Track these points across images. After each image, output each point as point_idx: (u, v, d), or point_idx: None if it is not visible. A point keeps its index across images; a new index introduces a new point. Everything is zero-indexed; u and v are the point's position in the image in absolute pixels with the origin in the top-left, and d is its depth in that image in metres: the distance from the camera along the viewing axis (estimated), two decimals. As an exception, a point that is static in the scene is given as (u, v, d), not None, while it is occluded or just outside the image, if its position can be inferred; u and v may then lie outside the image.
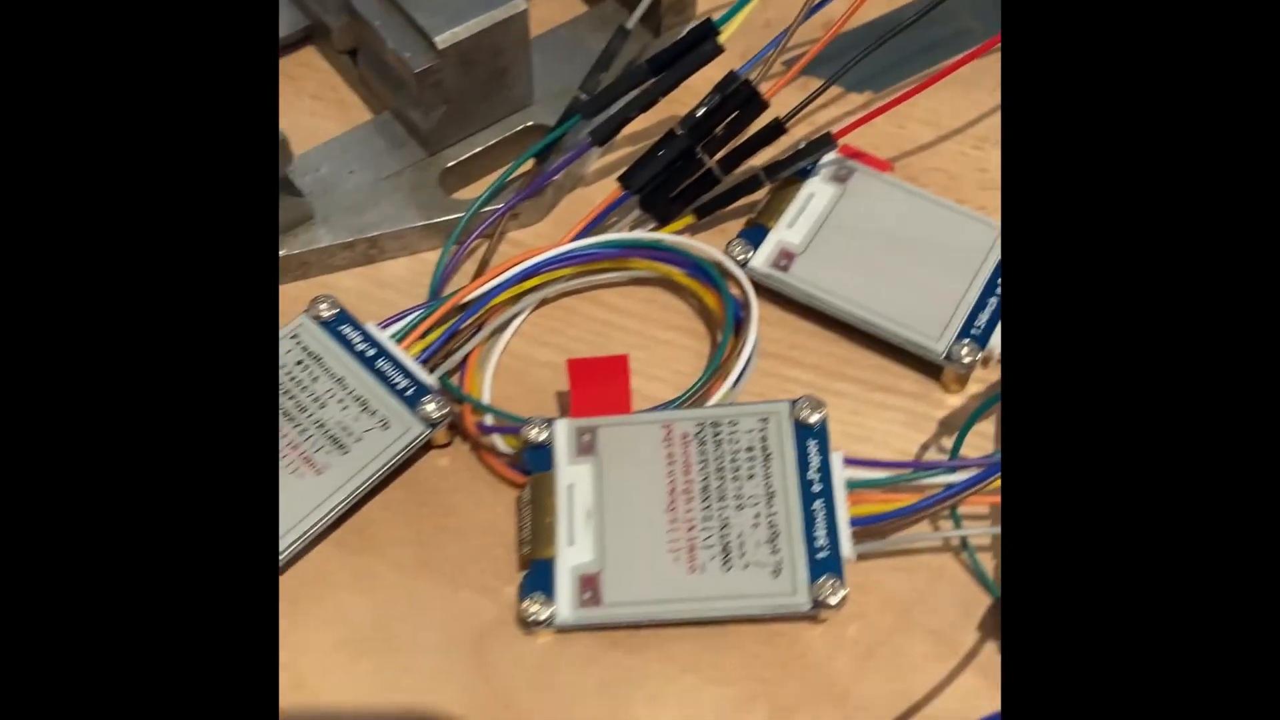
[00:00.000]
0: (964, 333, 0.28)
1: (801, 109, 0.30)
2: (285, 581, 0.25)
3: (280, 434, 0.26)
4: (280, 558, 0.25)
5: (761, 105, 0.29)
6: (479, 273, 0.30)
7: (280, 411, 0.26)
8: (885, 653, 0.25)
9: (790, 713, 0.24)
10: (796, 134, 0.33)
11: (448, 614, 0.25)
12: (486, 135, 0.32)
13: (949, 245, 0.29)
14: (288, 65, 0.34)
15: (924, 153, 0.33)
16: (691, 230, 0.31)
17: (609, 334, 0.30)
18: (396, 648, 0.25)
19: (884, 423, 0.28)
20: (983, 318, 0.28)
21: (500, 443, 0.27)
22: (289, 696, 0.24)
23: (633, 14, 0.30)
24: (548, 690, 0.24)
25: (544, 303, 0.30)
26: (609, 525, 0.25)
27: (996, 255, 0.29)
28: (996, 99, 0.34)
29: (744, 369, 0.27)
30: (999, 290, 0.29)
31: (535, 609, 0.24)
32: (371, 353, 0.27)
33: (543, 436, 0.26)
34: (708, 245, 0.29)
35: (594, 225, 0.30)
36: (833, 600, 0.24)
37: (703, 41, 0.29)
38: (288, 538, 0.25)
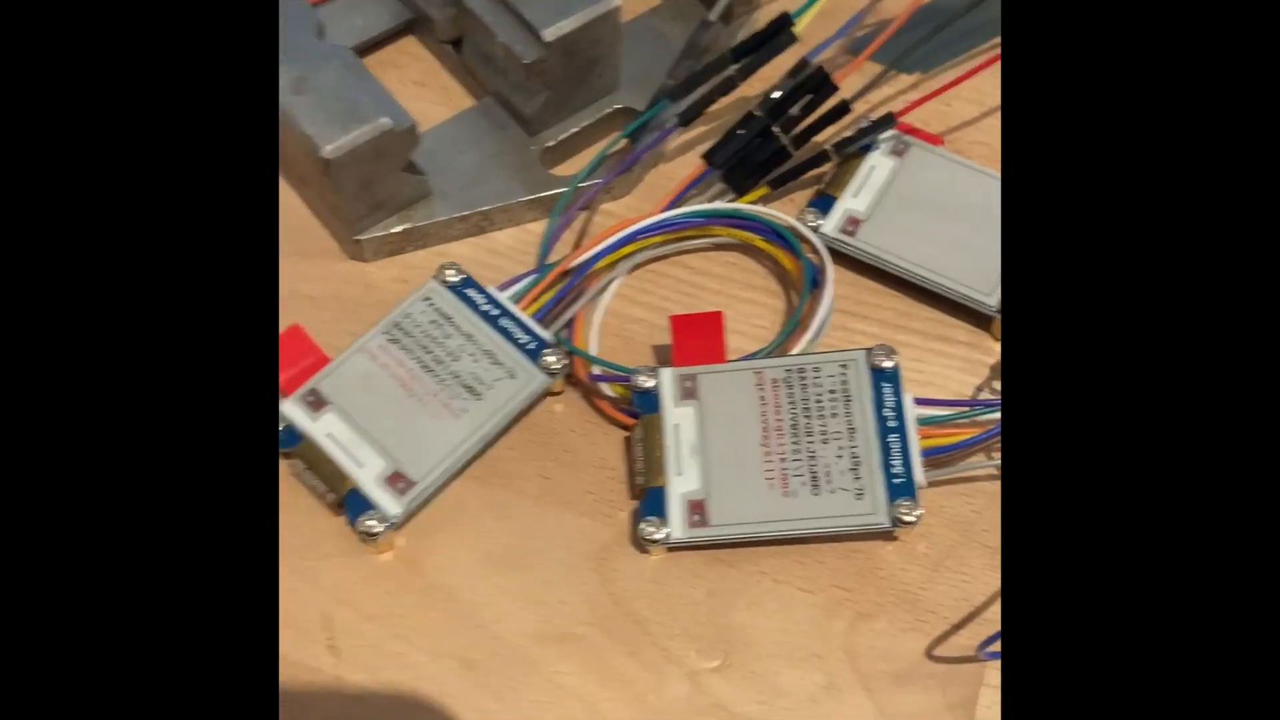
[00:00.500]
0: (1013, 288, 0.32)
1: (864, 92, 0.33)
2: (430, 512, 0.29)
3: (424, 385, 0.30)
4: (428, 490, 0.29)
5: (833, 88, 0.33)
6: (579, 242, 0.34)
7: (422, 365, 0.30)
8: (950, 564, 0.29)
9: (870, 616, 0.28)
10: (856, 112, 0.37)
11: (572, 536, 0.29)
12: (581, 117, 0.35)
13: (995, 210, 0.33)
14: (391, 54, 0.38)
15: (969, 128, 0.37)
16: (765, 200, 0.35)
17: (695, 295, 0.33)
18: (530, 565, 0.29)
19: (942, 368, 0.32)
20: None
21: (608, 389, 0.31)
22: (441, 607, 0.28)
23: (714, 7, 0.34)
24: (661, 600, 0.29)
25: (637, 267, 0.34)
26: (711, 458, 0.29)
27: (1039, 219, 0.33)
28: (1034, 77, 0.38)
29: (822, 323, 0.31)
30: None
31: (651, 529, 0.28)
32: (495, 312, 0.31)
33: (651, 383, 0.30)
34: (782, 214, 0.33)
35: (680, 198, 0.34)
36: (909, 518, 0.28)
37: (779, 32, 0.33)
38: (434, 473, 0.29)
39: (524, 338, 0.30)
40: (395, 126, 0.30)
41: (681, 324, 0.31)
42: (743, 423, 0.29)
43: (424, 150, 0.34)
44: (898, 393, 0.29)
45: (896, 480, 0.28)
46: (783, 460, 0.29)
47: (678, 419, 0.29)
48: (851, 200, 0.33)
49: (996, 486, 0.30)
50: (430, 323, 0.31)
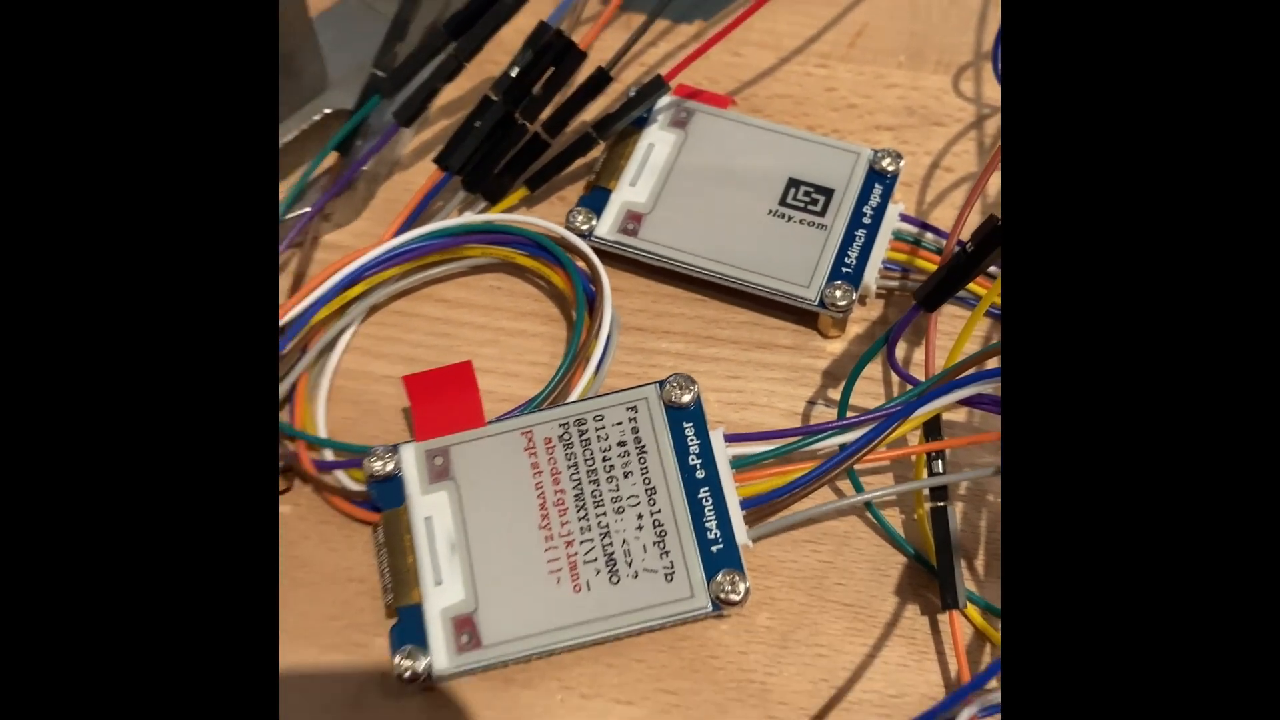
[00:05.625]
0: (835, 274, 0.26)
1: (625, 51, 0.27)
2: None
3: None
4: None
5: (579, 55, 0.26)
6: (295, 287, 0.27)
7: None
8: (801, 636, 0.23)
9: (708, 723, 0.22)
10: (626, 79, 0.30)
11: (317, 682, 0.22)
12: (285, 130, 0.28)
13: (809, 179, 0.27)
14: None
15: (766, 79, 0.30)
16: (527, 204, 0.28)
17: (453, 333, 0.27)
18: (262, 732, 0.22)
19: (765, 383, 0.26)
20: (852, 254, 0.26)
21: (346, 479, 0.24)
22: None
23: (421, -29, 0.27)
24: (439, 746, 0.22)
25: (374, 309, 0.27)
26: (477, 556, 0.22)
27: (860, 181, 0.27)
28: (835, 9, 0.31)
29: (605, 351, 0.25)
30: (866, 221, 0.26)
31: (407, 663, 0.21)
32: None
33: (389, 467, 0.23)
34: (546, 220, 0.26)
35: (417, 215, 0.27)
36: (735, 596, 0.22)
37: (501, -8, 0.26)
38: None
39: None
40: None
41: (419, 384, 0.24)
42: (513, 501, 0.23)
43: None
44: (702, 433, 0.23)
45: (714, 548, 0.22)
46: (569, 544, 0.22)
47: (429, 509, 0.23)
48: (629, 191, 0.27)
49: (847, 527, 0.24)
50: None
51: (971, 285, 0.25)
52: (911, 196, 0.28)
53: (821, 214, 0.26)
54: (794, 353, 0.26)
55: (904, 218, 0.27)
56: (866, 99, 0.30)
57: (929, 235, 0.27)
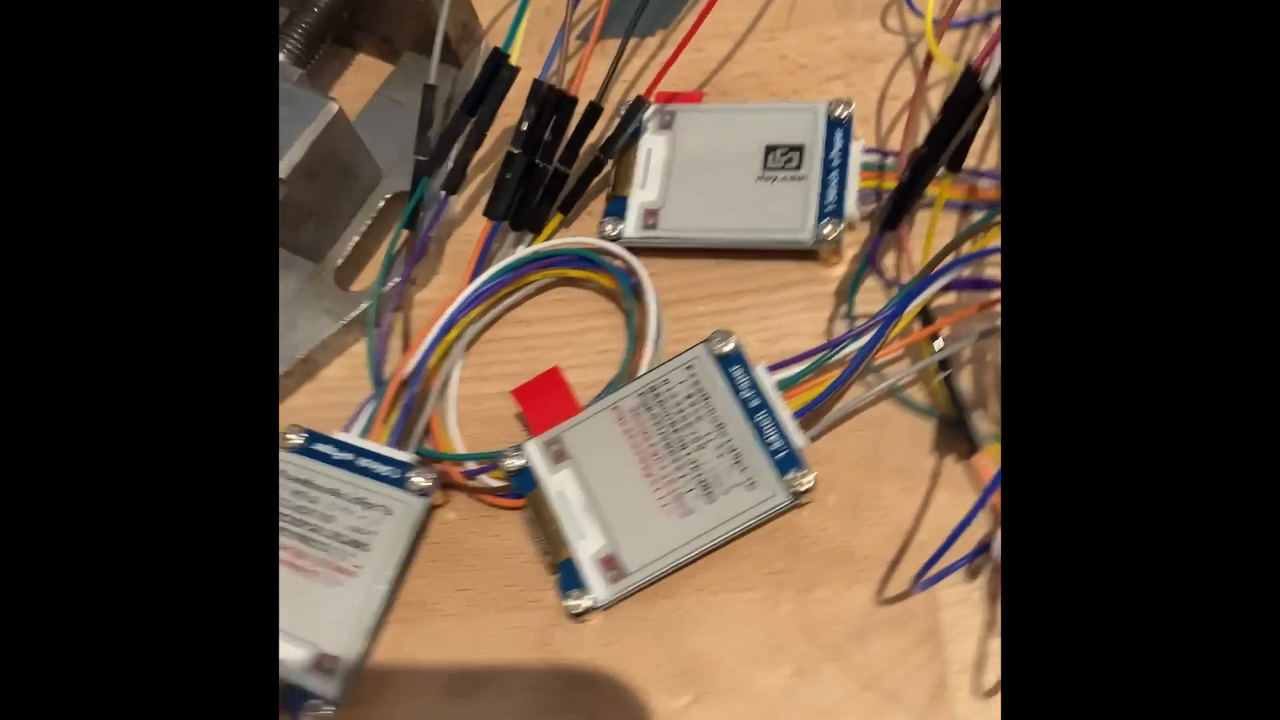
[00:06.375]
0: (821, 214, 0.31)
1: (609, 80, 0.33)
2: (367, 674, 0.29)
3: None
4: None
5: (572, 100, 0.32)
6: (406, 345, 0.33)
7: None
8: (865, 504, 0.29)
9: (811, 588, 0.28)
10: (615, 98, 0.36)
11: (509, 637, 0.29)
12: (359, 222, 0.34)
13: (773, 140, 0.32)
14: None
15: (727, 65, 0.36)
16: (564, 227, 0.34)
17: (536, 345, 0.33)
18: (483, 683, 0.29)
19: (789, 316, 0.32)
20: (831, 193, 0.31)
21: (489, 480, 0.30)
22: (417, 758, 0.28)
23: (430, 67, 0.33)
24: (617, 659, 0.28)
25: (470, 345, 0.33)
26: (605, 509, 0.29)
27: (822, 132, 0.32)
28: (769, -14, 0.37)
29: (656, 327, 0.31)
30: (835, 164, 0.32)
31: (575, 602, 0.28)
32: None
33: (520, 462, 0.29)
34: (582, 236, 0.33)
35: (483, 260, 0.33)
36: (805, 486, 0.28)
37: (499, 70, 0.32)
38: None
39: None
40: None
41: (525, 394, 0.30)
42: (620, 463, 0.29)
43: (223, 324, 0.33)
44: (748, 371, 0.29)
45: (780, 455, 0.28)
46: (670, 483, 0.29)
47: (559, 486, 0.29)
48: (641, 193, 0.33)
49: (881, 411, 0.30)
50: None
51: (929, 189, 0.30)
52: (870, 129, 0.34)
53: (799, 168, 0.32)
54: (806, 285, 0.32)
55: (866, 150, 0.32)
56: (813, 57, 0.35)
57: (890, 159, 0.32)
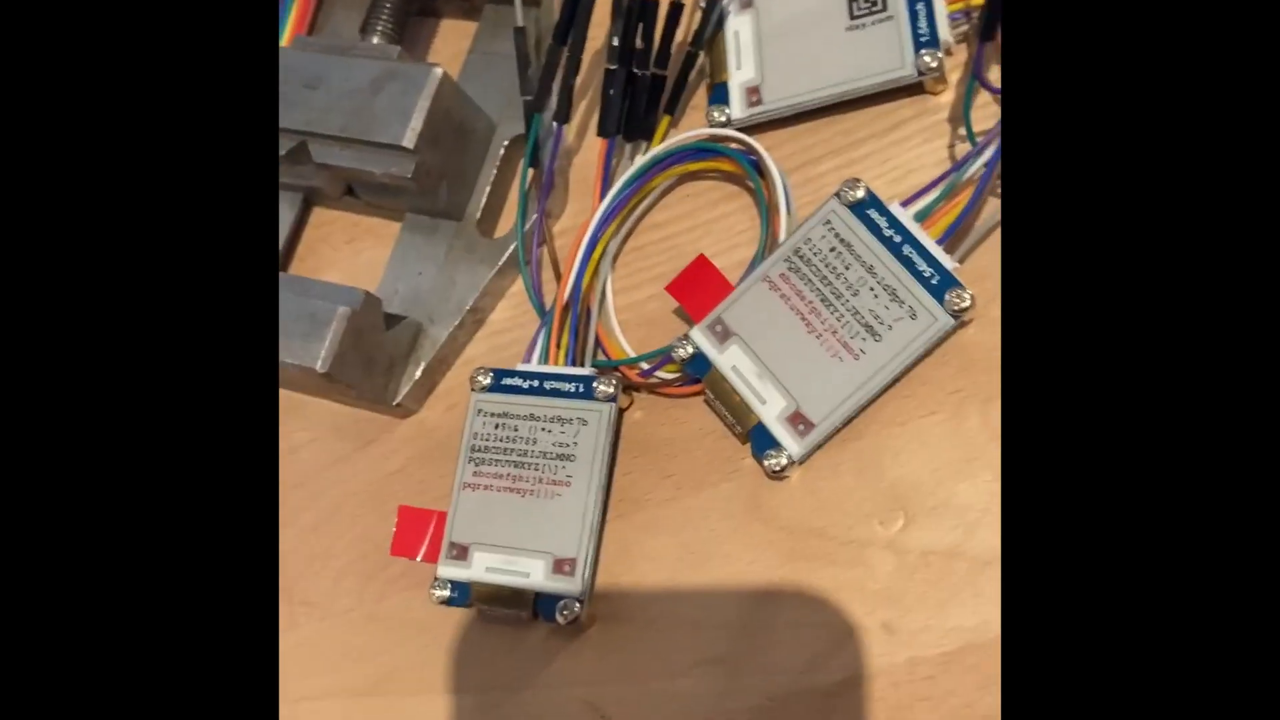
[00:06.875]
0: (917, 46, 0.32)
1: (682, -22, 0.34)
2: (601, 571, 0.32)
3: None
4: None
5: (654, 6, 0.33)
6: (558, 274, 0.35)
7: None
8: (1028, 309, 0.30)
9: (993, 398, 0.30)
10: (691, -6, 0.37)
11: (722, 508, 0.31)
12: (486, 173, 0.37)
13: (859, -10, 0.33)
14: (310, 232, 0.40)
15: (791, -70, 0.36)
16: (674, 126, 0.35)
17: (676, 243, 0.35)
18: (709, 554, 0.31)
19: (911, 151, 0.33)
20: (921, 23, 0.32)
21: (664, 374, 0.32)
22: (683, 631, 0.31)
23: (516, 11, 0.35)
24: (824, 505, 0.30)
25: (615, 258, 0.35)
26: (778, 371, 0.30)
27: (899, -32, 0.33)
28: None
29: (786, 196, 0.32)
30: (919, -6, 0.32)
31: (774, 462, 0.30)
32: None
33: (690, 350, 0.31)
34: (694, 130, 0.34)
35: (607, 177, 0.35)
36: (965, 304, 0.29)
37: (579, -5, 0.33)
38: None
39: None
40: (354, 307, 0.32)
41: (678, 287, 0.32)
42: (783, 326, 0.31)
43: (390, 295, 0.36)
44: (885, 211, 0.30)
45: (934, 281, 0.29)
46: (834, 333, 0.30)
47: (731, 361, 0.31)
48: (739, 75, 0.34)
49: (1020, 217, 0.31)
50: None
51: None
52: (946, -48, 0.34)
53: (884, 9, 0.33)
54: (919, 119, 0.33)
55: (947, -27, 0.33)
56: (873, -101, 0.35)
57: (973, -24, 0.32)
